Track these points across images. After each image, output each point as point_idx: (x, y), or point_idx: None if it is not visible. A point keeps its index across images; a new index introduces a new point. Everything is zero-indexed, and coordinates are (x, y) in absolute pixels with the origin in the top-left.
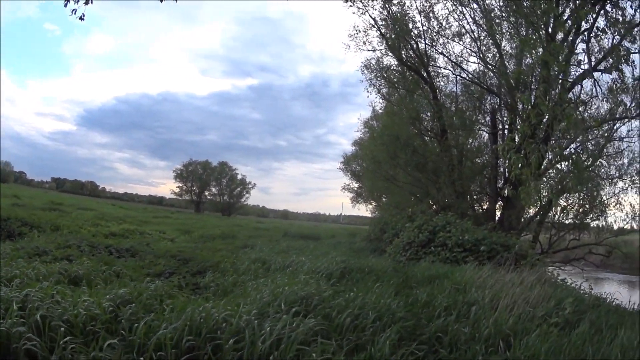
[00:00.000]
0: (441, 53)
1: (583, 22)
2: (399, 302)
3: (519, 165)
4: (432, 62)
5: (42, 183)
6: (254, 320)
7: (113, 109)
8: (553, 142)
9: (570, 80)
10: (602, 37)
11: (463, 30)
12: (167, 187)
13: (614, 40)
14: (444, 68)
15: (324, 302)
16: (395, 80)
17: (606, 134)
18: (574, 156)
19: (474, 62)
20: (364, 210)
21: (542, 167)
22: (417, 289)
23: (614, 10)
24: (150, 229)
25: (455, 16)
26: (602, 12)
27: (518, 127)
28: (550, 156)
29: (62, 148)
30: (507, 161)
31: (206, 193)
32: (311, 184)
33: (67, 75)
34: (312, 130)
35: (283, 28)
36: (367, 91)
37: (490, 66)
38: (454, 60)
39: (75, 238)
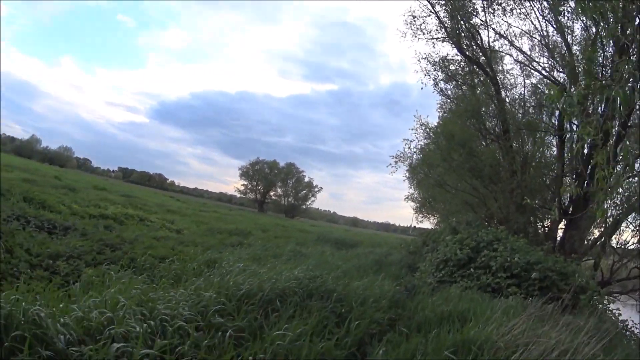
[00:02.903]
0: (508, 39)
1: None
2: None
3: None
4: (496, 55)
5: (108, 172)
6: None
7: (188, 104)
8: None
9: None
10: None
11: (531, 26)
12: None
13: None
14: (508, 53)
15: None
16: (453, 72)
17: None
18: None
19: (542, 63)
20: (426, 221)
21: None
22: (389, 345)
23: None
24: (159, 218)
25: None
26: None
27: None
28: None
29: (132, 139)
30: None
31: (271, 193)
32: (384, 193)
33: (141, 68)
34: (389, 140)
35: (363, 35)
36: (422, 83)
37: (559, 62)
38: (520, 48)
39: (19, 209)
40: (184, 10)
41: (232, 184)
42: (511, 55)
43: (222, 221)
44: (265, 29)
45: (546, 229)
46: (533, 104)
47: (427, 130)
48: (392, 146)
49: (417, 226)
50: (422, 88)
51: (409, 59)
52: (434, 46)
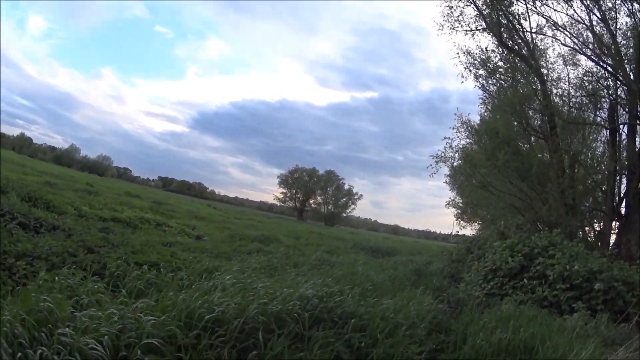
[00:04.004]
0: (551, 21)
1: None
2: None
3: None
4: (538, 48)
5: (148, 181)
6: None
7: (228, 113)
8: None
9: None
10: None
11: (575, 15)
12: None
13: None
14: (554, 37)
15: None
16: (494, 67)
17: None
18: None
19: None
20: (468, 228)
21: None
22: None
23: None
24: (179, 223)
25: None
26: None
27: None
28: None
29: (173, 149)
30: None
31: (311, 201)
32: (425, 200)
33: (180, 78)
34: (430, 146)
35: (402, 41)
36: (462, 76)
37: (605, 52)
38: (566, 28)
39: (8, 205)
40: (221, 20)
41: (272, 192)
42: (557, 40)
43: (253, 228)
44: (304, 37)
45: (597, 232)
46: (579, 98)
47: (469, 128)
48: (433, 152)
49: (458, 233)
50: (462, 82)
51: (447, 63)
52: (472, 36)
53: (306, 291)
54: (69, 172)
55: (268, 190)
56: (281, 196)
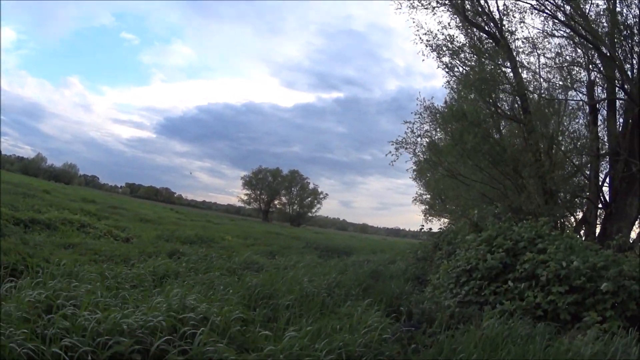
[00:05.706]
0: None
1: None
2: None
3: None
4: (506, 28)
5: (116, 188)
6: None
7: (194, 118)
8: None
9: None
10: None
11: None
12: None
13: None
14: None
15: None
16: (459, 45)
17: None
18: None
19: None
20: (437, 223)
21: None
22: None
23: None
24: (108, 224)
25: None
26: None
27: None
28: None
29: (140, 155)
30: None
31: (276, 202)
32: (393, 199)
33: (146, 85)
34: None
35: (369, 42)
36: (423, 54)
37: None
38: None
39: None
40: (187, 25)
41: (239, 195)
42: (528, 3)
43: (201, 229)
44: (270, 40)
45: (579, 220)
46: (553, 76)
47: (434, 113)
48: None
49: (424, 228)
50: (423, 60)
51: (414, 62)
52: (433, 13)
53: (122, 320)
54: (32, 181)
55: (235, 193)
56: (245, 198)
